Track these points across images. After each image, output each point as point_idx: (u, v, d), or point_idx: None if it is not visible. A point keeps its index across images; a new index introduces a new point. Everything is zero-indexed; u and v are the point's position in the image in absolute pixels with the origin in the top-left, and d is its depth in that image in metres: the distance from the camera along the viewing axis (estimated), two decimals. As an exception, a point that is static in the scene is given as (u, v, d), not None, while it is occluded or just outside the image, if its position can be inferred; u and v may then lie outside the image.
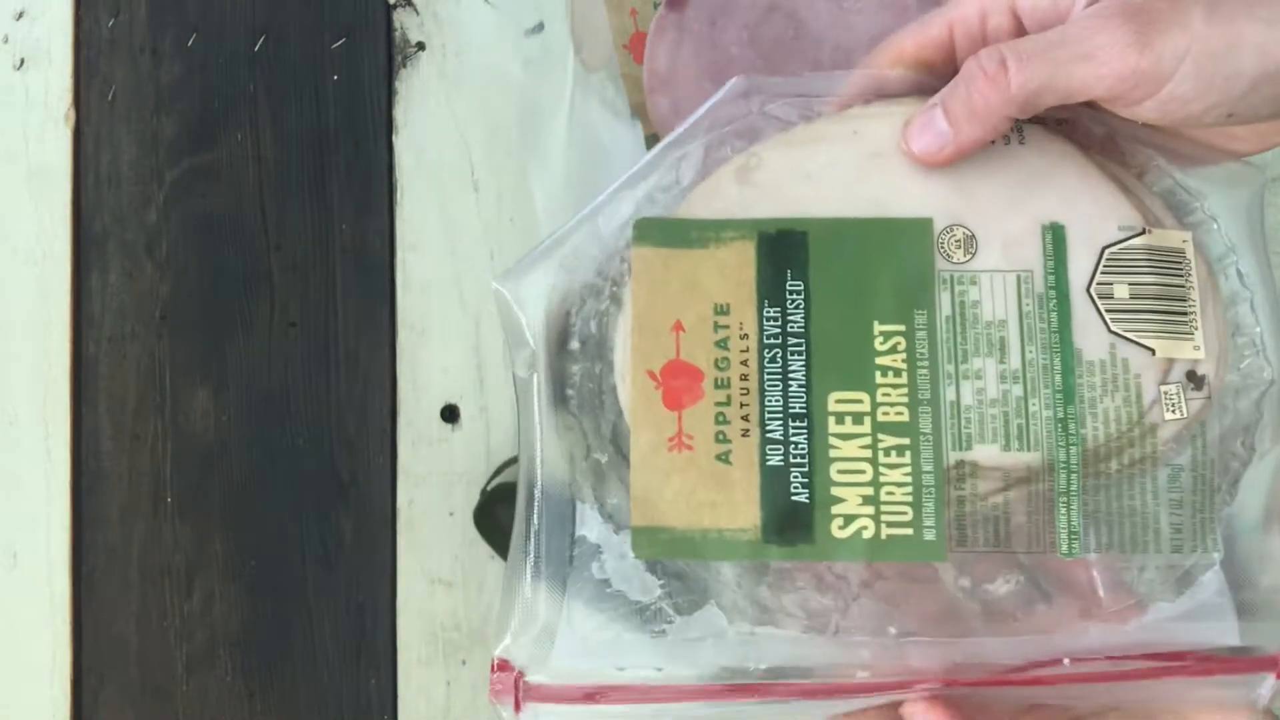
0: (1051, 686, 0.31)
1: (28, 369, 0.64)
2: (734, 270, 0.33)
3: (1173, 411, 0.31)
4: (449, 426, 0.61)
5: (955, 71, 0.32)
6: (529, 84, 0.59)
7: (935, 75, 0.34)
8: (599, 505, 0.33)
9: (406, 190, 0.63)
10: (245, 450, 0.63)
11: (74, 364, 0.64)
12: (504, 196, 0.62)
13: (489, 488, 0.59)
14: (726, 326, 0.32)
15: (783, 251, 0.33)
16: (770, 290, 0.32)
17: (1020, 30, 0.33)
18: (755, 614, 0.32)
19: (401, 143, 0.63)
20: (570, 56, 0.57)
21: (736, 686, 0.31)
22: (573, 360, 0.34)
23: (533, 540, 0.33)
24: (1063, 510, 0.31)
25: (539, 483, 0.33)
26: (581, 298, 0.34)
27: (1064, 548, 0.31)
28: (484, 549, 0.60)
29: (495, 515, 0.58)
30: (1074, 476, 0.31)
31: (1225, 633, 0.31)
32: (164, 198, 0.64)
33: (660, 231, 0.33)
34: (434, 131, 0.63)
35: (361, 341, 0.62)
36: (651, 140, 0.56)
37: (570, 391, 0.34)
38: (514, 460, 0.59)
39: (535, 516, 0.33)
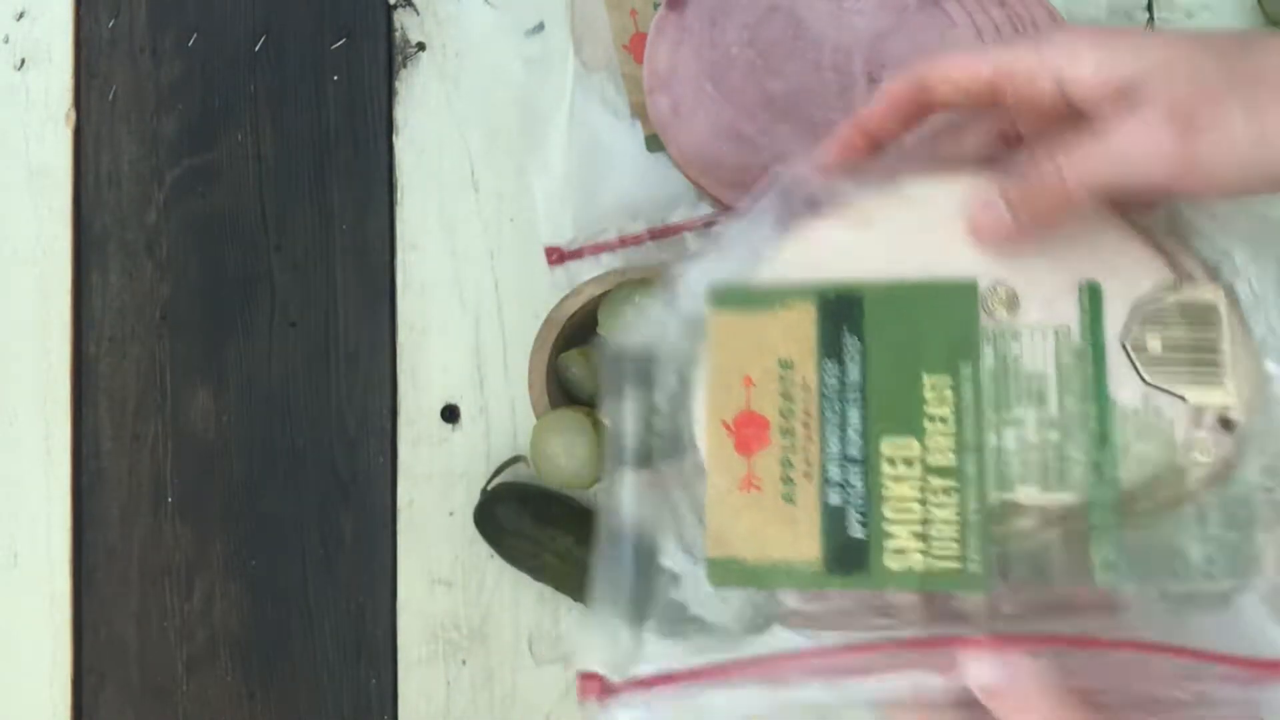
0: (1095, 650, 0.33)
1: (28, 369, 0.64)
2: (797, 330, 0.36)
3: (1204, 455, 0.34)
4: (449, 426, 0.61)
5: (994, 107, 0.36)
6: (529, 84, 0.59)
7: (975, 105, 0.37)
8: (678, 538, 0.37)
9: (406, 190, 0.63)
10: (245, 450, 0.63)
11: (74, 364, 0.64)
12: (504, 196, 0.62)
13: (489, 488, 0.59)
14: (790, 380, 0.36)
15: (841, 312, 0.36)
16: (829, 347, 0.36)
17: (1063, 101, 0.35)
18: (813, 624, 0.36)
19: (401, 143, 0.63)
20: (570, 56, 0.58)
21: (801, 653, 0.35)
22: (655, 412, 0.38)
23: (613, 567, 0.37)
24: (1098, 545, 0.33)
25: (622, 516, 0.37)
26: (665, 358, 0.38)
27: (1099, 579, 0.33)
28: (484, 549, 0.59)
29: (495, 515, 0.58)
30: (1109, 514, 0.33)
31: (1263, 645, 0.33)
32: (164, 198, 0.64)
33: (732, 297, 0.37)
34: (434, 131, 0.63)
35: (361, 341, 0.62)
36: (652, 141, 0.56)
37: (654, 438, 0.38)
38: (514, 460, 0.59)
39: (618, 547, 0.37)
